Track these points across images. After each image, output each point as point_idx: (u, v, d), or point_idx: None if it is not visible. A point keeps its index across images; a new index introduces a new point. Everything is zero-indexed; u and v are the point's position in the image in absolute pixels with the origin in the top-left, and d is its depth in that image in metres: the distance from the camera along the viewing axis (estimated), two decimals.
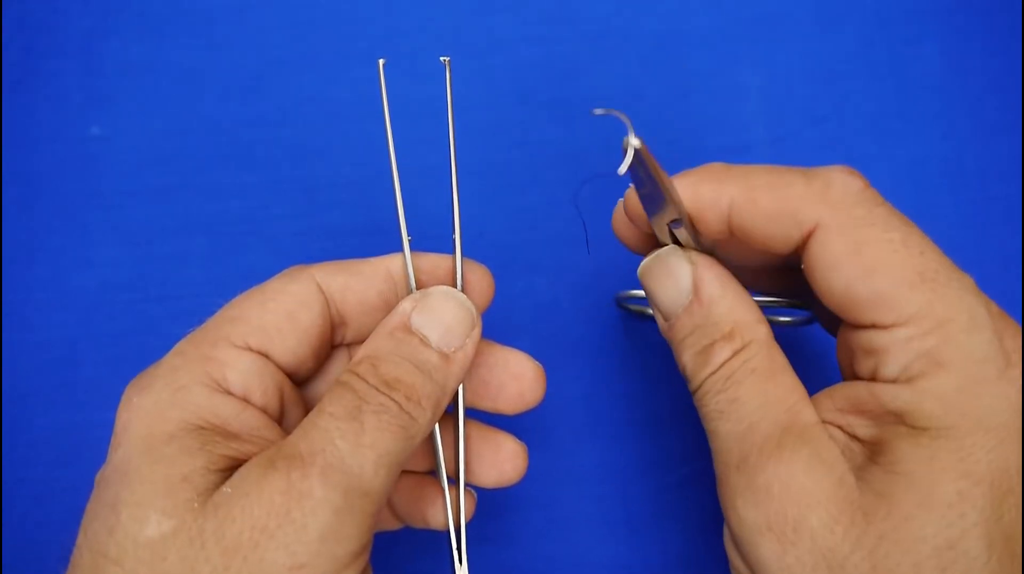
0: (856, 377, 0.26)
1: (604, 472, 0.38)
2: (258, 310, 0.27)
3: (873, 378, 0.25)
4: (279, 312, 0.27)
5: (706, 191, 0.26)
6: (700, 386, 0.27)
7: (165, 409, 0.25)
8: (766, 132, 0.42)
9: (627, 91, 0.42)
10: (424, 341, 0.27)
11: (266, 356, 0.27)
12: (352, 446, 0.24)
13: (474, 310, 0.28)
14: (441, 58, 0.29)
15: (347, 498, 0.23)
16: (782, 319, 0.36)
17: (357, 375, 0.25)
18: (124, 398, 0.26)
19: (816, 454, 0.24)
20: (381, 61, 0.29)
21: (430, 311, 0.27)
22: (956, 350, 0.23)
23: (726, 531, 0.26)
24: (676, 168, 0.27)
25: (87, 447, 0.38)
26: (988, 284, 0.25)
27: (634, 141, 0.22)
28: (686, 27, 0.43)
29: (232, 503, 0.23)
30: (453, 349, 0.27)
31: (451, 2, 0.43)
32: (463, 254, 0.29)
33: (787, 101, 0.42)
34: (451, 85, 0.29)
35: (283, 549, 0.22)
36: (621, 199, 0.28)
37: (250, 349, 0.27)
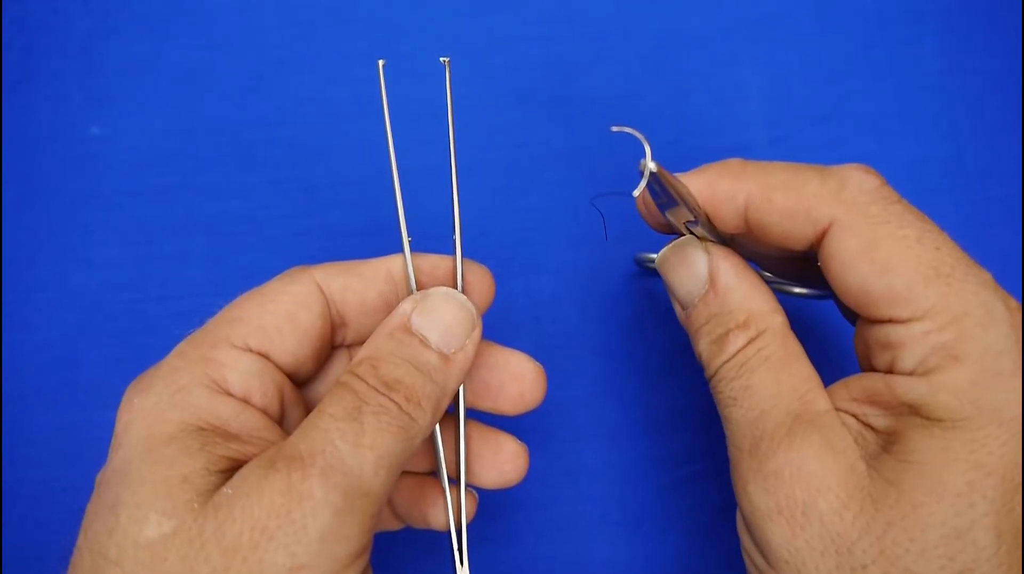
0: (873, 369, 0.26)
1: (604, 472, 0.38)
2: (258, 311, 0.27)
3: (890, 370, 0.25)
4: (279, 313, 0.27)
5: (723, 187, 0.27)
6: (715, 374, 0.27)
7: (165, 410, 0.25)
8: (766, 132, 0.42)
9: (627, 91, 0.42)
10: (424, 342, 0.27)
11: (266, 357, 0.27)
12: (352, 447, 0.24)
13: (474, 311, 0.28)
14: (441, 59, 0.29)
15: (347, 499, 0.23)
16: (797, 290, 0.35)
17: (357, 376, 0.25)
18: (124, 399, 0.26)
19: (827, 441, 0.24)
20: (381, 62, 0.29)
21: (430, 312, 0.27)
22: (972, 344, 0.23)
23: (738, 516, 0.27)
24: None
25: (87, 447, 0.38)
26: None
27: (651, 165, 0.22)
28: (686, 27, 0.43)
29: (232, 504, 0.23)
30: (453, 350, 0.27)
31: (451, 2, 0.43)
32: (463, 255, 0.29)
33: (787, 101, 0.42)
34: (451, 85, 0.29)
35: (283, 550, 0.22)
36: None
37: (250, 350, 0.27)
